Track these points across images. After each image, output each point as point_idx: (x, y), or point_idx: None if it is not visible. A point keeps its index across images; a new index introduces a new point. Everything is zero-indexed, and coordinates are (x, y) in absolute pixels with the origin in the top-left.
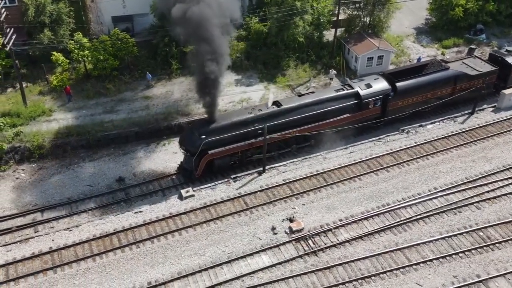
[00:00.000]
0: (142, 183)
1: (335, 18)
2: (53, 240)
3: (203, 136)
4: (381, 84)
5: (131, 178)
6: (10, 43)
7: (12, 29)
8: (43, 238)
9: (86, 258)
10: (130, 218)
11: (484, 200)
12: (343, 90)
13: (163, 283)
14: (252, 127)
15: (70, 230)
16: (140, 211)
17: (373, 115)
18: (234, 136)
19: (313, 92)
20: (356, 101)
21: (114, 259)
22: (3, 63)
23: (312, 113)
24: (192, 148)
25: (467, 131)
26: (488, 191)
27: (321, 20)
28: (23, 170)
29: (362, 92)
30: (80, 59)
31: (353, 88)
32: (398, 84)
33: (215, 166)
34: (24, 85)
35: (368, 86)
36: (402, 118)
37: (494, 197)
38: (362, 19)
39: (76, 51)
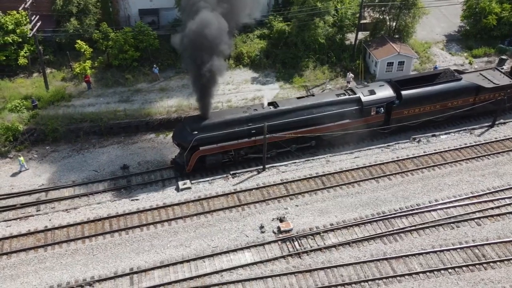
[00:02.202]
0: (144, 172)
1: (361, 21)
2: (50, 220)
3: (195, 132)
4: (385, 92)
5: (135, 166)
6: (34, 30)
7: (38, 16)
8: (42, 217)
9: (76, 240)
10: (126, 205)
11: (486, 217)
12: (345, 95)
13: (144, 271)
14: (246, 126)
15: (68, 212)
16: (137, 199)
17: (376, 123)
18: (227, 134)
19: (313, 95)
20: (357, 107)
21: (102, 243)
22: (32, 49)
23: (309, 116)
24: (184, 143)
25: (482, 144)
26: (492, 208)
27: (345, 22)
28: (36, 151)
29: (364, 98)
30: (103, 48)
31: (355, 94)
32: (404, 93)
33: (207, 162)
34: (49, 71)
35: (372, 92)
36: (416, 127)
37: (498, 215)
38: (388, 23)
39: (100, 40)
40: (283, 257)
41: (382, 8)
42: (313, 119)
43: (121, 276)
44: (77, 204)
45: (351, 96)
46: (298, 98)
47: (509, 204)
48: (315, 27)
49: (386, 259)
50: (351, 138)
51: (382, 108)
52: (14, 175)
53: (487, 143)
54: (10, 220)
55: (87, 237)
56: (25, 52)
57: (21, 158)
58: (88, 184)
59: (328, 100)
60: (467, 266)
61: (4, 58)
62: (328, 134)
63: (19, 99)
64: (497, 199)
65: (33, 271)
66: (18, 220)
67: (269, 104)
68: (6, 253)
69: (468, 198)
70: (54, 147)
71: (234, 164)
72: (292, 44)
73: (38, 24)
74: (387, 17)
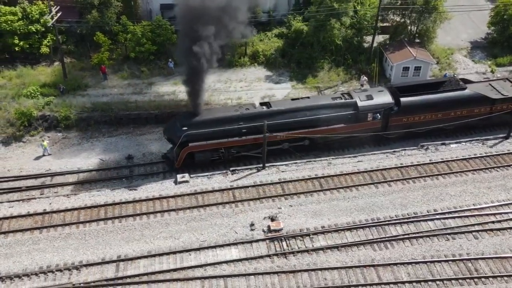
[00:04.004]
0: (147, 163)
1: (382, 24)
2: (50, 204)
3: (185, 128)
4: (383, 97)
5: (140, 157)
6: (54, 20)
7: (59, 7)
8: (43, 200)
9: (70, 224)
10: (124, 194)
11: (485, 230)
12: (341, 98)
13: (131, 259)
14: (236, 125)
15: (68, 197)
16: (135, 189)
17: (372, 128)
18: (217, 132)
19: (308, 98)
20: (353, 112)
21: (95, 229)
22: (54, 39)
23: (302, 118)
24: (173, 138)
25: (492, 155)
26: (493, 222)
27: (364, 24)
28: (48, 137)
29: (360, 103)
30: (123, 41)
31: (352, 98)
32: (403, 100)
33: (195, 159)
34: (69, 60)
35: (369, 97)
36: (426, 134)
37: (499, 229)
38: (408, 27)
39: (120, 33)
40: (269, 256)
41: (403, 12)
42: (306, 121)
43: (107, 262)
44: (79, 190)
45: (347, 100)
46: (293, 99)
47: (511, 219)
48: (331, 28)
49: (373, 266)
50: (349, 142)
51: (379, 114)
52: (37, 158)
53: (498, 154)
54: (14, 201)
55: (82, 222)
56: (48, 42)
57: (45, 143)
58: (92, 171)
59: (322, 103)
60: (456, 279)
61: (28, 46)
62: (321, 136)
63: (37, 86)
64: (500, 213)
65: (26, 251)
66: (21, 201)
67: (262, 104)
68: (4, 232)
69: (469, 210)
70: (65, 134)
71: (224, 163)
72: (309, 44)
73: (59, 14)
74: (408, 21)
